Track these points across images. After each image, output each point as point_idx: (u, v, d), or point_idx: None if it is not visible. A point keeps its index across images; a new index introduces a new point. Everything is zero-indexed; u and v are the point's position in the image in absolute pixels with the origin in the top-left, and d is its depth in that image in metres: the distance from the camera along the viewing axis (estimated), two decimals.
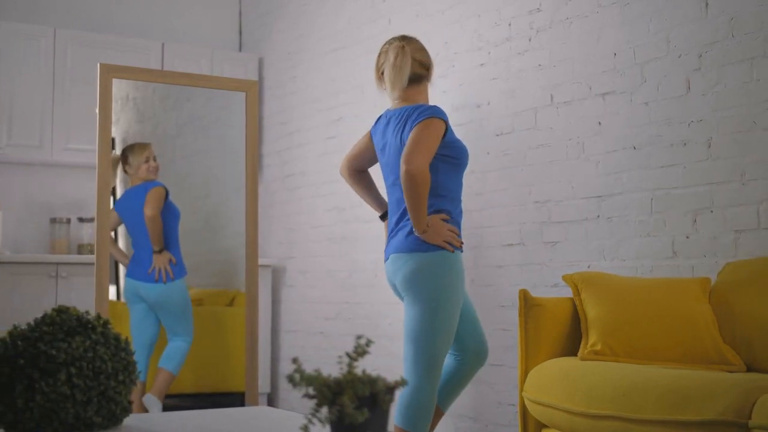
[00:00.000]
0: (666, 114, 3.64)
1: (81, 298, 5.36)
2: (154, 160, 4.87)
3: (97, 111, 4.52)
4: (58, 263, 5.40)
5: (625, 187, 3.79)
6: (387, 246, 3.57)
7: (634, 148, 3.76)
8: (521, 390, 3.05)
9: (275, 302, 6.07)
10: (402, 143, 3.49)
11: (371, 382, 1.63)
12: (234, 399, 5.32)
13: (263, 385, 5.91)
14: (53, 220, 5.83)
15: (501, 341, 4.30)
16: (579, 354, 2.99)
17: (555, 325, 3.13)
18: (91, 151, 5.72)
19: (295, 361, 1.70)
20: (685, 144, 3.56)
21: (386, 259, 3.55)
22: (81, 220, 5.87)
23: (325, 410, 1.65)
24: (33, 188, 5.92)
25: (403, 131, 3.51)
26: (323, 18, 5.77)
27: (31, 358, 1.95)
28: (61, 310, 2.04)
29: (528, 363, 3.07)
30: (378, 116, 3.81)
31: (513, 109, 4.32)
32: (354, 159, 3.86)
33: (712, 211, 3.46)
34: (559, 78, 4.10)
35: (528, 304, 3.10)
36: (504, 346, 4.29)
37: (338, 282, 5.46)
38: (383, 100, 5.12)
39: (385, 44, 3.77)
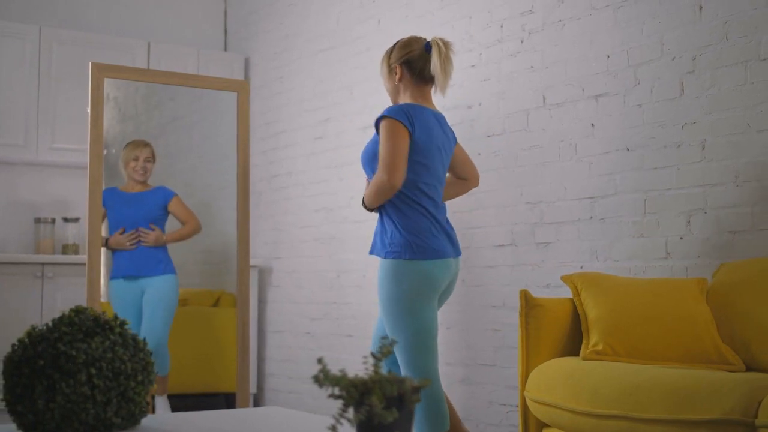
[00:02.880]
0: (660, 116, 3.68)
1: (67, 299, 5.33)
2: (146, 161, 4.85)
3: (88, 111, 4.50)
4: (43, 263, 5.36)
5: (618, 188, 3.82)
6: (451, 245, 3.51)
7: (628, 149, 3.79)
8: (522, 390, 3.07)
9: (261, 302, 6.06)
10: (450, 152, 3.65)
11: (399, 381, 1.64)
12: (219, 400, 5.30)
13: (250, 385, 5.90)
14: (38, 220, 5.79)
15: (492, 342, 4.32)
16: (581, 354, 3.01)
17: (555, 326, 3.15)
18: (76, 150, 5.70)
19: (320, 361, 1.70)
20: (678, 146, 3.60)
21: (449, 256, 3.47)
22: (66, 220, 5.84)
23: (351, 410, 1.66)
24: (17, 188, 5.87)
25: (453, 138, 3.68)
26: (311, 18, 5.76)
27: (50, 359, 1.94)
28: (78, 311, 2.03)
29: (529, 363, 3.09)
30: (404, 110, 3.44)
31: (504, 110, 4.34)
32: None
33: (705, 213, 3.49)
34: (552, 80, 4.12)
35: (529, 304, 3.12)
36: (495, 347, 4.31)
37: (326, 282, 5.46)
38: (373, 100, 5.15)
39: (409, 38, 3.65)
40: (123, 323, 2.05)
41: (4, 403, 2.03)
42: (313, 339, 5.56)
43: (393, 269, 3.37)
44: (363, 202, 3.51)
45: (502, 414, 4.25)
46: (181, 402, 5.12)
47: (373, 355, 1.71)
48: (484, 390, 4.35)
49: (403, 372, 3.36)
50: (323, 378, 1.68)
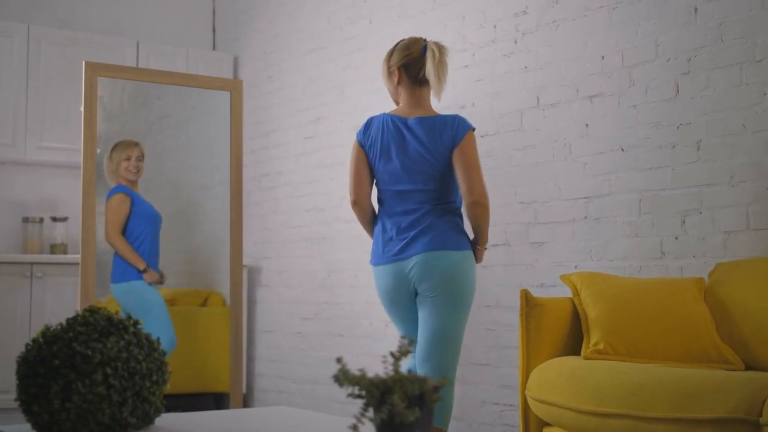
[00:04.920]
0: (655, 117, 3.70)
1: (57, 299, 5.31)
2: (138, 160, 4.83)
3: (81, 110, 4.48)
4: (32, 263, 5.33)
5: (613, 188, 3.84)
6: (395, 249, 3.45)
7: (623, 150, 3.81)
8: (523, 389, 3.08)
9: (251, 302, 6.05)
10: (439, 154, 3.46)
11: (420, 381, 1.64)
12: (207, 399, 5.29)
13: None
14: (26, 220, 5.76)
15: (486, 341, 4.33)
16: (582, 353, 3.03)
17: (555, 325, 3.16)
18: (64, 149, 5.67)
19: (339, 360, 1.71)
20: (674, 146, 3.63)
21: (382, 263, 3.48)
22: (54, 219, 5.81)
23: (371, 410, 1.66)
24: (5, 187, 5.83)
25: (441, 141, 3.48)
26: (302, 18, 5.76)
27: (66, 359, 1.94)
28: (92, 311, 2.03)
29: (529, 362, 3.10)
30: (366, 122, 3.59)
31: (498, 110, 4.36)
32: (367, 185, 3.56)
33: (701, 213, 3.52)
34: (546, 80, 4.14)
35: (529, 303, 3.14)
36: (488, 346, 4.32)
37: (317, 282, 5.46)
38: (364, 101, 5.15)
39: (409, 40, 3.62)
40: (136, 323, 2.05)
41: (18, 403, 2.02)
42: (303, 339, 5.55)
43: None
44: None
45: (496, 413, 4.26)
46: (169, 403, 5.09)
47: (392, 354, 1.72)
48: (478, 389, 4.36)
49: None
50: (343, 378, 1.69)
